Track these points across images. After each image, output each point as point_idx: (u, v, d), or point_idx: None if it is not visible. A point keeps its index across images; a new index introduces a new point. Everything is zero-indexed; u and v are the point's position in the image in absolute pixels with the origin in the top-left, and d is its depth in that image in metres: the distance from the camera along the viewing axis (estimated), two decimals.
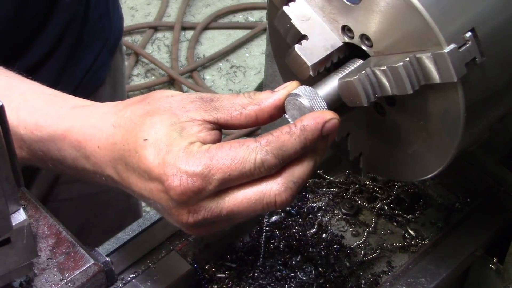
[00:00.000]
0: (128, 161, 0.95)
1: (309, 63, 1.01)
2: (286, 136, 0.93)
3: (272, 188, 0.93)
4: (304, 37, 1.02)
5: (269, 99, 0.98)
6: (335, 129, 0.96)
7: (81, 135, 0.99)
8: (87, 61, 1.54)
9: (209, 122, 0.97)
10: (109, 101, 1.63)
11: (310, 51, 1.02)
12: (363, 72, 0.96)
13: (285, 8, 1.03)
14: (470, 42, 0.92)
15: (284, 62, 1.07)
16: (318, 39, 1.03)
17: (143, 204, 2.14)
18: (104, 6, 1.56)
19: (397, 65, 0.93)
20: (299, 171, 0.95)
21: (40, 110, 1.02)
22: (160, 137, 0.93)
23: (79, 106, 1.03)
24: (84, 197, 1.71)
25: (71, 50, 1.48)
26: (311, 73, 1.01)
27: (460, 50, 0.91)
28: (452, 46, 0.91)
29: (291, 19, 1.03)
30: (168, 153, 0.92)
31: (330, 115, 0.95)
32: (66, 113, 1.02)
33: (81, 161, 1.00)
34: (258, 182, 0.94)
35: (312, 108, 0.97)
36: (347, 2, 0.99)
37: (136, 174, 0.95)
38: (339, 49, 1.03)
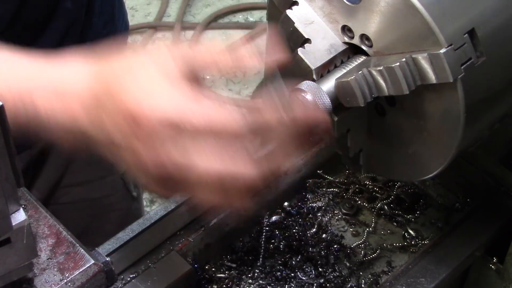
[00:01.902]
0: (106, 104, 0.93)
1: (313, 67, 1.01)
2: (274, 120, 0.92)
3: (244, 164, 0.91)
4: (307, 40, 1.02)
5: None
6: (326, 130, 0.96)
7: (56, 87, 0.97)
8: None
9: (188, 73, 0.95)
10: None
11: (314, 55, 1.02)
12: (359, 72, 0.96)
13: (288, 11, 1.03)
14: (466, 43, 0.92)
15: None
16: (322, 42, 1.03)
17: (146, 208, 2.14)
18: (109, 13, 1.55)
19: (393, 65, 0.93)
20: (276, 157, 0.93)
21: (10, 72, 1.01)
22: (143, 79, 0.92)
23: (50, 61, 1.01)
24: (86, 201, 1.71)
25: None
26: (314, 77, 1.01)
27: (456, 51, 0.91)
28: (449, 46, 0.91)
29: (294, 23, 1.03)
30: (150, 91, 0.90)
31: (322, 116, 0.95)
32: (38, 70, 1.00)
33: (56, 114, 0.98)
34: (234, 154, 0.91)
35: (315, 103, 0.97)
36: (347, 2, 0.99)
37: (111, 116, 0.93)
38: (342, 53, 1.03)
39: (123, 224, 1.75)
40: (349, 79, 0.97)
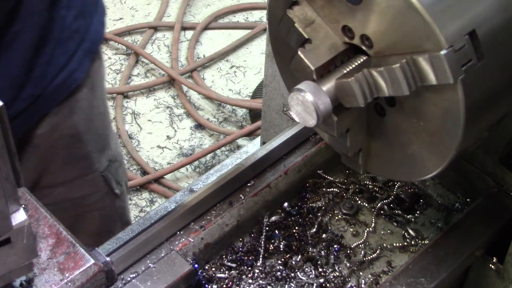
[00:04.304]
0: None
1: (313, 67, 1.01)
2: None
3: None
4: (308, 40, 1.02)
5: None
6: None
7: None
8: (60, 60, 1.52)
9: None
10: (88, 103, 1.61)
11: (314, 55, 1.01)
12: (360, 73, 0.96)
13: (288, 11, 1.03)
14: (466, 44, 0.92)
15: (284, 62, 1.07)
16: (322, 42, 1.02)
17: (146, 209, 2.09)
18: (79, 7, 1.54)
19: (393, 66, 0.93)
20: None
21: None
22: None
23: None
24: (68, 201, 1.70)
25: (38, 43, 1.46)
26: (314, 76, 1.01)
27: (457, 52, 0.91)
28: (449, 48, 0.91)
29: (294, 23, 1.02)
30: None
31: None
32: None
33: None
34: None
35: (316, 103, 0.97)
36: (348, 3, 0.99)
37: None
38: (342, 53, 1.03)
39: (107, 222, 1.73)
40: (349, 80, 0.96)
